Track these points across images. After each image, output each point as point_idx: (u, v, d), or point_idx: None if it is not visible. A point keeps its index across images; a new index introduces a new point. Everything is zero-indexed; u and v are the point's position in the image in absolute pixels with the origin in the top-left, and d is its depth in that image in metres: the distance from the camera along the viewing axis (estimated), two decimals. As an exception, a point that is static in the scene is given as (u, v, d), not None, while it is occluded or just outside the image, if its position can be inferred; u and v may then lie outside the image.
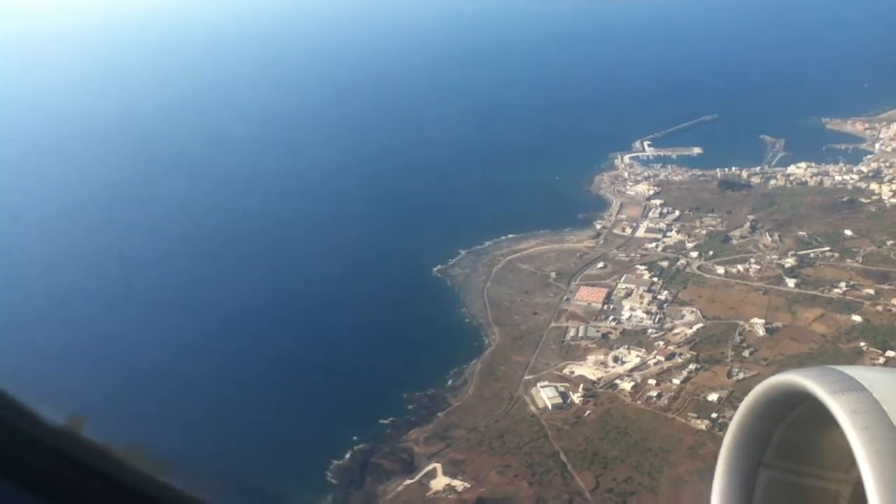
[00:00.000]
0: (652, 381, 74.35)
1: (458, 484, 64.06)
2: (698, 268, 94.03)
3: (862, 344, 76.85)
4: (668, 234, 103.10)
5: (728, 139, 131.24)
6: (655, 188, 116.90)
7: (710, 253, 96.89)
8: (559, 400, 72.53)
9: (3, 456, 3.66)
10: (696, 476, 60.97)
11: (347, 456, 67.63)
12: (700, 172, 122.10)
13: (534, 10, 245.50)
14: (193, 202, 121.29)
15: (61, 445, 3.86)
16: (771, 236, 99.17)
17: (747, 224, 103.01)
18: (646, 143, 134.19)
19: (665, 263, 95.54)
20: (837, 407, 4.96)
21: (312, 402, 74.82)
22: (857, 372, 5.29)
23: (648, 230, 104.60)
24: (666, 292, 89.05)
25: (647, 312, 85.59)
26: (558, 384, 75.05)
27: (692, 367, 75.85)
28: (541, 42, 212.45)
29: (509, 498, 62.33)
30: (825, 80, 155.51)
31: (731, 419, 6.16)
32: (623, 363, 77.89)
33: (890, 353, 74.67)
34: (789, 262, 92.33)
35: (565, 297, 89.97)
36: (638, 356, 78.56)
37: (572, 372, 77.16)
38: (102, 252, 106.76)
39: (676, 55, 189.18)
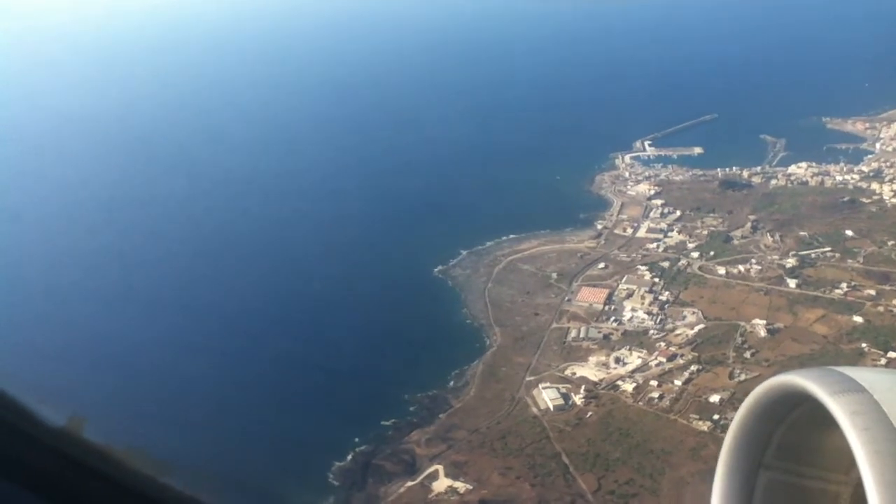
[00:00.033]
0: (654, 383, 74.28)
1: (460, 486, 63.98)
2: (699, 268, 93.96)
3: (863, 345, 76.85)
4: (670, 234, 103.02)
5: (729, 139, 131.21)
6: (656, 188, 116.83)
7: (712, 253, 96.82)
8: (561, 401, 72.45)
9: (3, 456, 3.65)
10: (697, 478, 60.85)
11: (349, 457, 67.53)
12: (701, 172, 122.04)
13: (534, 9, 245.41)
14: (193, 202, 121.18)
15: (61, 446, 3.85)
16: (772, 236, 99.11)
17: (748, 224, 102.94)
18: (646, 143, 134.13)
19: (666, 264, 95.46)
20: (837, 408, 4.95)
21: (313, 403, 74.68)
22: (856, 373, 5.29)
23: (649, 230, 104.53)
24: (667, 293, 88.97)
25: (649, 313, 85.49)
26: (560, 385, 74.97)
27: (694, 368, 75.76)
28: (541, 42, 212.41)
29: (511, 500, 62.25)
30: (825, 79, 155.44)
31: (732, 420, 6.15)
32: (625, 364, 77.79)
33: (891, 354, 74.62)
34: (790, 262, 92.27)
35: (566, 298, 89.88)
36: (639, 357, 78.48)
37: (574, 373, 77.08)
38: (102, 252, 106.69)
39: (677, 55, 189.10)
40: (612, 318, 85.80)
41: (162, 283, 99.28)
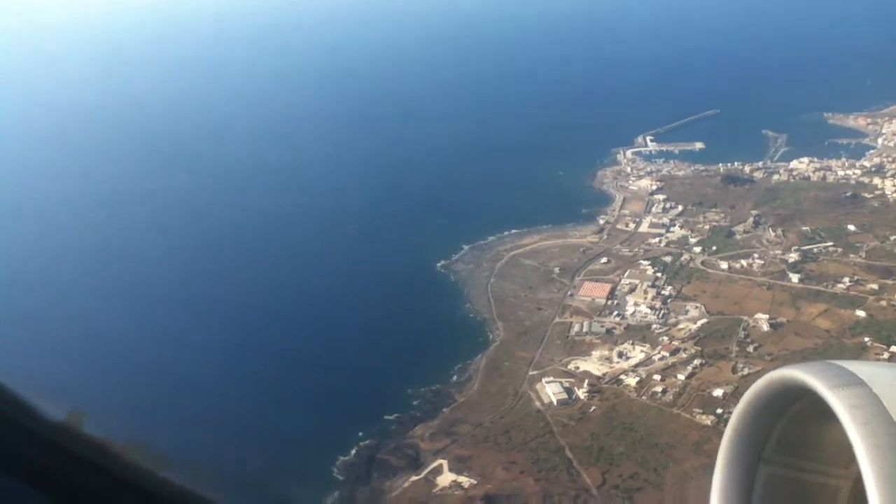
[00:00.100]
0: (657, 377, 74.30)
1: (465, 480, 64.04)
2: (702, 263, 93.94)
3: (866, 339, 76.87)
4: (672, 229, 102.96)
5: (730, 134, 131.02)
6: (658, 183, 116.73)
7: (714, 248, 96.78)
8: (564, 395, 72.50)
9: (3, 451, 3.65)
10: (701, 471, 60.90)
11: (353, 452, 67.60)
12: (703, 167, 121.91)
13: (535, 3, 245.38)
14: (194, 197, 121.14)
15: (61, 441, 3.85)
16: (774, 231, 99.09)
17: (750, 219, 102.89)
18: (648, 138, 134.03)
19: (668, 258, 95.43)
20: (837, 402, 4.93)
21: (316, 398, 74.64)
22: (856, 367, 5.26)
23: (652, 225, 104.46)
24: (670, 287, 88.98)
25: (651, 308, 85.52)
26: (563, 380, 74.99)
27: (697, 362, 75.77)
28: (542, 36, 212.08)
29: (516, 494, 62.32)
30: (827, 74, 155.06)
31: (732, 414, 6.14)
32: (628, 359, 77.83)
33: (894, 349, 74.61)
34: (793, 257, 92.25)
35: (569, 293, 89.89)
36: (642, 351, 78.50)
37: (577, 367, 77.10)
38: (102, 247, 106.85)
39: (678, 50, 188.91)
40: (615, 312, 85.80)
41: (162, 278, 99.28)
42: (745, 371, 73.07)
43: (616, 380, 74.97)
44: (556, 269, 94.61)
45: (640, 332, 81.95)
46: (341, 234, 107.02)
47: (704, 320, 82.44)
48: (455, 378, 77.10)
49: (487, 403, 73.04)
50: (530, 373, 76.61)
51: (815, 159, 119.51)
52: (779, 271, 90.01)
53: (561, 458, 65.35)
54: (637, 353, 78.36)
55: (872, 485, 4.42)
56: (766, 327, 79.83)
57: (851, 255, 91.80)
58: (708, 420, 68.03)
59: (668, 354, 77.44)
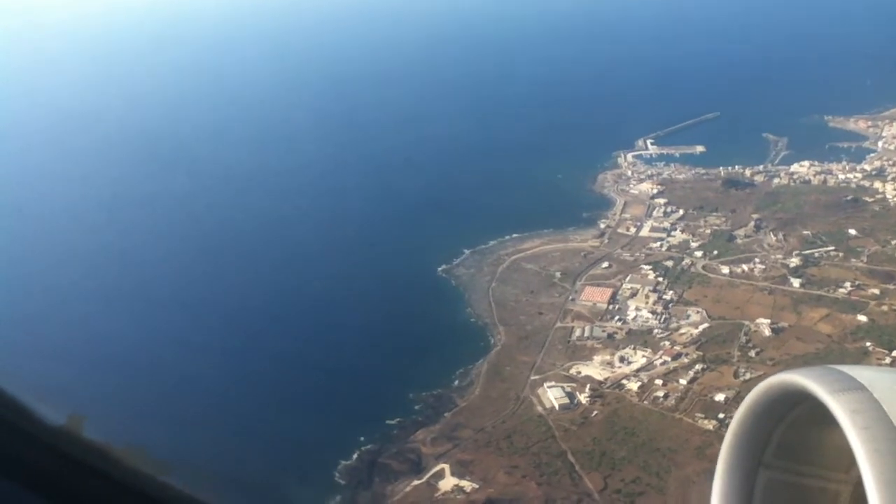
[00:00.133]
0: (659, 382, 74.31)
1: (467, 484, 64.01)
2: (703, 267, 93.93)
3: (868, 344, 76.86)
4: (673, 233, 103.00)
5: (731, 137, 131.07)
6: (659, 187, 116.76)
7: (715, 252, 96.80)
8: (566, 400, 72.49)
9: (2, 455, 3.65)
10: (704, 476, 60.85)
11: (355, 456, 67.57)
12: (703, 171, 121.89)
13: (535, 5, 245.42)
14: (194, 199, 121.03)
15: (61, 444, 3.84)
16: (775, 235, 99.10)
17: (752, 223, 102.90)
18: (648, 142, 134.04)
19: (670, 263, 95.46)
20: (837, 406, 4.95)
21: (318, 403, 74.65)
22: (857, 371, 5.28)
23: (653, 229, 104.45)
24: (671, 292, 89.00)
25: (653, 312, 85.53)
26: (565, 384, 74.99)
27: (698, 367, 75.79)
28: (542, 38, 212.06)
29: (518, 499, 62.30)
30: (827, 77, 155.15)
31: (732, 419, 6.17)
32: (629, 363, 77.84)
33: (896, 353, 74.73)
34: (794, 261, 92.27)
35: (570, 297, 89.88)
36: (644, 356, 78.51)
37: (579, 372, 77.10)
38: (102, 249, 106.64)
39: (678, 53, 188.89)
40: (617, 317, 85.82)
41: (162, 280, 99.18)
42: (747, 376, 73.05)
43: (618, 384, 74.95)
44: (558, 274, 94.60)
45: (641, 337, 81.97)
46: (341, 237, 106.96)
47: (706, 325, 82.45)
48: (456, 382, 77.09)
49: (489, 408, 73.00)
50: (532, 377, 76.61)
51: (816, 163, 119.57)
52: (780, 276, 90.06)
53: (563, 463, 65.36)
54: (639, 358, 78.37)
55: (873, 489, 4.43)
56: (767, 332, 79.83)
57: (853, 260, 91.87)
58: (710, 425, 68.03)
59: (669, 359, 77.44)
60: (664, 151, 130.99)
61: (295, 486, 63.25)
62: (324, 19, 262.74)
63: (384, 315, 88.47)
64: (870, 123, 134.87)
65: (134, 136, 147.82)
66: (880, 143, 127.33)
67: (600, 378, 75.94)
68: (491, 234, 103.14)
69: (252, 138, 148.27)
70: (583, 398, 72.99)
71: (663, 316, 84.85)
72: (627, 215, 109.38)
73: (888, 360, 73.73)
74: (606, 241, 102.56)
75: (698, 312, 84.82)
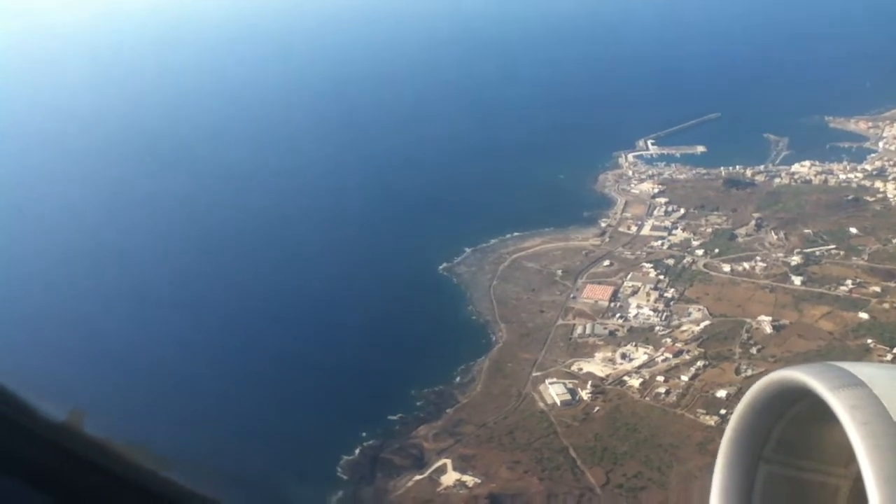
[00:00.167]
0: (660, 378, 74.40)
1: (469, 479, 64.04)
2: (704, 265, 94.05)
3: (869, 341, 77.08)
4: (674, 232, 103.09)
5: (731, 137, 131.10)
6: (660, 186, 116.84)
7: (716, 251, 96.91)
8: (568, 396, 72.51)
9: (3, 452, 3.63)
10: (706, 471, 60.69)
11: (357, 452, 67.57)
12: (704, 171, 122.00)
13: (536, 5, 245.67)
14: (194, 199, 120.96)
15: (62, 441, 3.81)
16: (776, 234, 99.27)
17: (753, 222, 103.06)
18: (649, 142, 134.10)
19: (671, 261, 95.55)
20: (837, 403, 4.95)
21: (320, 400, 74.58)
22: (856, 368, 5.29)
23: (654, 228, 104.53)
24: (672, 290, 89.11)
25: (654, 310, 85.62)
26: (566, 381, 75.04)
27: (700, 363, 75.91)
28: (542, 38, 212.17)
29: (520, 493, 62.33)
30: (828, 78, 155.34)
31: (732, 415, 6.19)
32: (631, 360, 77.91)
33: (897, 351, 74.83)
34: (795, 259, 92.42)
35: (572, 295, 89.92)
36: (646, 353, 78.58)
37: (580, 369, 77.14)
38: (103, 248, 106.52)
39: (679, 53, 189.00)
40: (618, 314, 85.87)
41: (162, 279, 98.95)
42: (749, 372, 73.23)
43: (619, 381, 75.03)
44: (559, 272, 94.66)
45: (643, 334, 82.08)
46: (342, 236, 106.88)
47: (707, 322, 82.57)
48: (458, 379, 77.10)
49: (491, 404, 73.04)
50: (533, 374, 76.66)
51: (817, 163, 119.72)
52: (781, 274, 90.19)
53: (565, 458, 65.40)
54: (640, 355, 78.45)
55: (873, 485, 4.44)
56: (769, 329, 79.96)
57: (854, 258, 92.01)
58: (712, 421, 68.11)
59: (671, 356, 77.54)
60: (665, 152, 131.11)
61: (297, 482, 63.09)
62: (325, 20, 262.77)
63: (385, 314, 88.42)
64: (870, 124, 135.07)
65: (134, 136, 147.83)
66: (881, 144, 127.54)
67: (602, 375, 76.00)
68: (492, 232, 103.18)
69: (252, 138, 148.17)
70: (584, 394, 73.07)
71: (665, 313, 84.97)
72: (628, 214, 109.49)
73: (889, 356, 73.89)
74: (607, 239, 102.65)
75: (700, 310, 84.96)
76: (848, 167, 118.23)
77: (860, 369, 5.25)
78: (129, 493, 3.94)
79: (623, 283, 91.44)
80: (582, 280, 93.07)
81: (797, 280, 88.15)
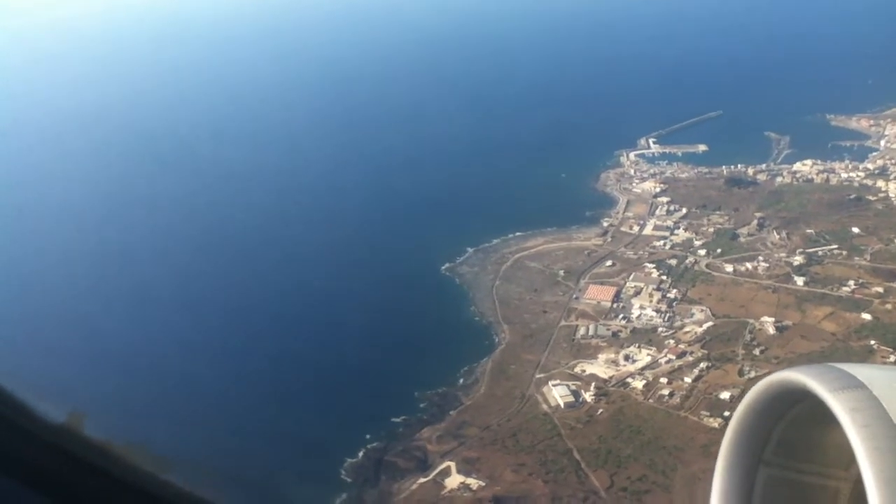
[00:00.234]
0: (664, 380, 74.23)
1: (473, 482, 63.89)
2: (707, 266, 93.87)
3: (872, 342, 76.79)
4: (676, 231, 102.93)
5: (733, 136, 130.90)
6: (662, 185, 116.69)
7: (719, 251, 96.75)
8: (571, 398, 72.35)
9: (2, 452, 3.64)
10: (709, 474, 59.96)
11: (361, 454, 67.43)
12: (706, 170, 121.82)
13: (536, 3, 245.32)
14: (195, 198, 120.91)
15: (61, 442, 3.84)
16: (779, 234, 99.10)
17: (755, 222, 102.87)
18: (651, 141, 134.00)
19: (673, 261, 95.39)
20: (837, 404, 4.96)
21: (323, 402, 74.45)
22: (856, 369, 5.29)
23: (656, 228, 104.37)
24: (675, 290, 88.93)
25: (657, 311, 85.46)
26: (570, 383, 74.89)
27: (703, 365, 75.73)
28: (544, 37, 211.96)
29: (524, 496, 62.19)
30: (829, 76, 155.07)
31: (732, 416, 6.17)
32: (634, 362, 77.74)
33: (900, 352, 74.64)
34: (798, 259, 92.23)
35: (574, 296, 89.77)
36: (649, 355, 78.40)
37: (584, 370, 77.00)
38: (103, 248, 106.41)
39: (680, 51, 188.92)
40: (621, 315, 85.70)
41: (163, 279, 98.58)
42: (752, 374, 72.93)
43: (623, 383, 74.86)
44: (561, 272, 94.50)
45: (646, 335, 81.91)
46: (343, 236, 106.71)
47: (710, 323, 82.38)
48: (461, 381, 76.97)
49: (494, 406, 72.89)
50: (537, 376, 76.51)
51: (819, 161, 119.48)
52: (784, 274, 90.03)
53: (569, 461, 65.25)
54: (643, 356, 78.27)
55: (873, 487, 4.45)
56: (771, 330, 79.80)
57: (856, 258, 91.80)
58: (715, 423, 67.78)
59: (674, 357, 77.38)
60: (666, 150, 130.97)
61: (301, 484, 62.99)
62: (324, 18, 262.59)
63: (388, 314, 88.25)
64: (872, 122, 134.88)
65: (134, 136, 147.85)
66: (883, 142, 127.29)
67: (605, 376, 75.85)
68: (494, 232, 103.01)
69: (252, 137, 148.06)
70: (588, 396, 72.93)
71: (667, 314, 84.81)
72: (630, 214, 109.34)
73: (892, 357, 73.73)
74: (610, 239, 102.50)
75: (702, 311, 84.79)
76: (850, 166, 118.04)
77: (860, 371, 5.25)
78: (129, 495, 3.93)
79: (625, 283, 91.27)
80: (584, 280, 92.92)
81: (800, 280, 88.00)
